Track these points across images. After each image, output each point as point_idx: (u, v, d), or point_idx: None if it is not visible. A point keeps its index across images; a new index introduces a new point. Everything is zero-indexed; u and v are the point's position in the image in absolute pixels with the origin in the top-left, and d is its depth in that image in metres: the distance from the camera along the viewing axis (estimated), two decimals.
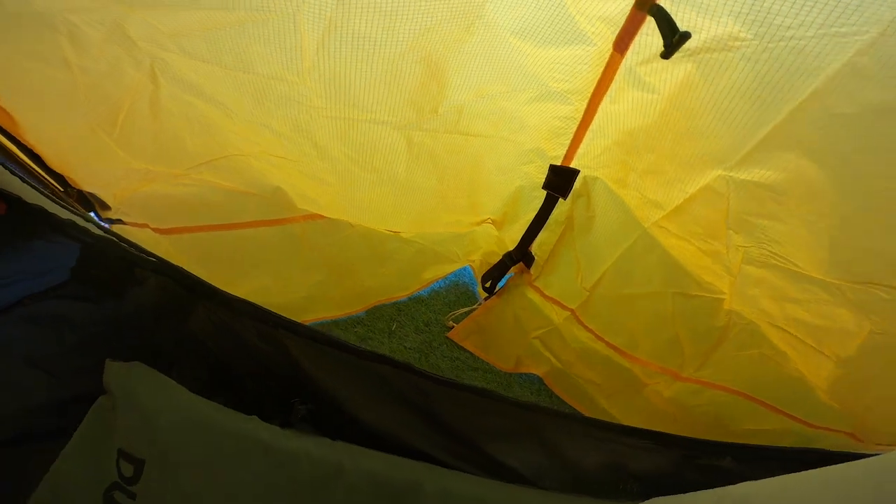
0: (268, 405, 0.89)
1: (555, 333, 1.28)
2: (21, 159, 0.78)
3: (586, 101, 0.88)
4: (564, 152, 1.00)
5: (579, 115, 0.92)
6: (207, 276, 0.86)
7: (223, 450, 0.77)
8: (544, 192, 1.10)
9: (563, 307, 1.24)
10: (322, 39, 0.72)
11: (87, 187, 0.89)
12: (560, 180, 1.04)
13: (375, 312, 1.31)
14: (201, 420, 0.78)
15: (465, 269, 1.43)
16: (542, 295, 1.28)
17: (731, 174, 0.79)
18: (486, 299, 1.38)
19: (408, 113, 0.89)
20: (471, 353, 1.38)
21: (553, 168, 1.04)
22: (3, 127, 0.71)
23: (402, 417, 0.86)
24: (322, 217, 1.12)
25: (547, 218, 1.15)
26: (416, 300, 1.37)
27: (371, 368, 0.83)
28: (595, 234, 1.10)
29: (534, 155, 1.06)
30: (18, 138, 0.74)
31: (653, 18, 0.64)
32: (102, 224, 0.86)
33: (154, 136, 0.82)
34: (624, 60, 0.76)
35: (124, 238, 0.82)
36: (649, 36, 0.70)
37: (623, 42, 0.72)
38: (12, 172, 0.72)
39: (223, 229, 1.06)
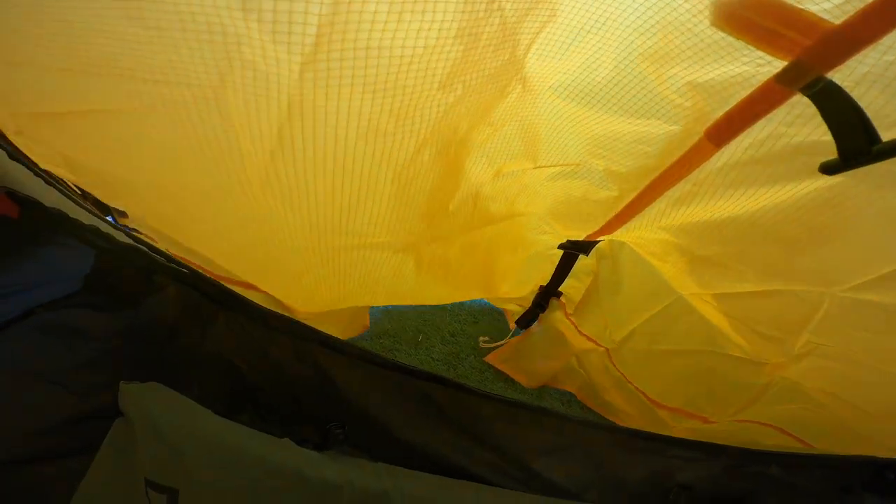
0: (297, 424, 0.84)
1: (593, 355, 1.24)
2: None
3: (637, 191, 0.66)
4: (585, 235, 0.87)
5: (619, 206, 0.72)
6: None
7: (259, 480, 0.71)
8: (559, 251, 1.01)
9: (598, 344, 1.20)
10: (279, 137, 0.45)
11: None
12: (578, 247, 0.96)
13: (401, 323, 1.25)
14: (232, 448, 0.72)
15: None
16: (577, 329, 1.24)
17: (842, 293, 0.61)
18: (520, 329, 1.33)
19: (416, 226, 0.69)
20: None
21: (572, 243, 0.95)
22: None
23: (444, 435, 0.82)
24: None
25: (568, 273, 1.09)
26: (440, 310, 1.32)
27: (416, 386, 0.78)
28: (623, 296, 1.02)
29: (548, 225, 0.94)
30: None
31: (810, 101, 0.35)
32: (126, 228, 0.79)
33: None
34: (719, 154, 0.49)
35: (146, 242, 0.76)
36: (776, 127, 0.42)
37: (727, 128, 0.44)
38: (36, 173, 0.66)
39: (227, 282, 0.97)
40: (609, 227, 0.83)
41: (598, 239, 0.90)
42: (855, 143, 0.32)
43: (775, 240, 0.59)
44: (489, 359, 1.33)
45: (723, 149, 0.47)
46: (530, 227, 0.95)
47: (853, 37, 0.29)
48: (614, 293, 1.02)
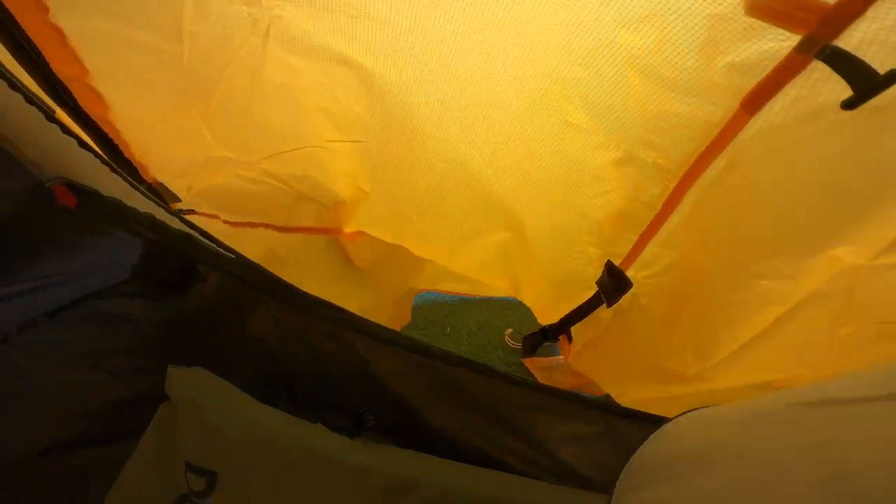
0: (329, 411, 0.86)
1: None
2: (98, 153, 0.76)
3: (677, 179, 0.66)
4: (628, 250, 0.84)
5: (659, 204, 0.71)
6: None
7: (294, 464, 0.73)
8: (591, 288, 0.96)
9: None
10: None
11: (160, 176, 0.86)
12: (611, 284, 0.90)
13: (429, 316, 1.27)
14: (270, 432, 0.75)
15: None
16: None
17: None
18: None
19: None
20: None
21: (609, 266, 0.89)
22: (93, 116, 0.68)
23: (473, 422, 0.83)
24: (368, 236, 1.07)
25: (588, 314, 1.08)
26: (468, 303, 1.33)
27: (447, 372, 0.80)
28: (632, 357, 0.98)
29: (595, 235, 0.91)
30: (103, 125, 0.71)
31: (824, 63, 0.45)
32: (179, 214, 0.82)
33: (243, 115, 0.78)
34: (752, 121, 0.54)
35: (200, 229, 0.79)
36: (798, 90, 0.50)
37: (760, 96, 0.52)
38: (103, 161, 0.69)
39: (283, 231, 1.03)
40: (646, 236, 0.80)
41: (628, 281, 0.87)
42: (862, 81, 0.45)
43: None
44: (527, 362, 1.33)
45: (755, 116, 0.54)
46: (581, 232, 0.91)
47: (845, 12, 0.42)
48: (623, 354, 0.99)
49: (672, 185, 0.67)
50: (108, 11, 0.60)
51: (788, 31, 0.45)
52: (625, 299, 0.87)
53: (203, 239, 0.80)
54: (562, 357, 1.28)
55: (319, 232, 1.05)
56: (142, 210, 0.77)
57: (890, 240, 0.56)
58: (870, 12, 0.41)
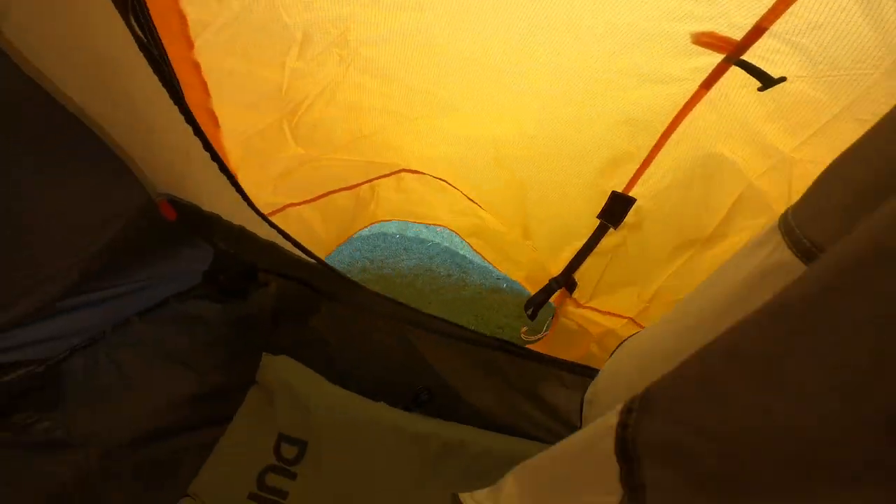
0: (386, 392, 0.99)
1: (612, 337, 1.39)
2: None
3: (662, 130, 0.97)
4: (626, 181, 1.08)
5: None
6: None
7: (365, 431, 0.88)
8: (592, 224, 1.16)
9: (621, 317, 1.36)
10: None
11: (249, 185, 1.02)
12: (616, 208, 1.11)
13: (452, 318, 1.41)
14: (347, 408, 0.90)
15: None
16: (597, 311, 1.40)
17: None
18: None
19: None
20: None
21: (614, 195, 1.10)
22: (208, 138, 0.82)
23: (506, 398, 0.98)
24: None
25: (595, 246, 1.29)
26: (487, 307, 1.48)
27: (484, 354, 0.96)
28: (648, 257, 1.16)
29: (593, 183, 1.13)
30: (214, 144, 0.85)
31: (739, 67, 0.78)
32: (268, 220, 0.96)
33: (314, 124, 0.97)
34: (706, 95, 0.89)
35: (286, 233, 0.95)
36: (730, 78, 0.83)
37: (710, 81, 0.86)
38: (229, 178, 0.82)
39: (349, 189, 1.23)
40: (640, 170, 1.03)
41: (631, 198, 1.07)
42: (761, 78, 0.76)
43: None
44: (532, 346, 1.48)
45: (708, 92, 0.87)
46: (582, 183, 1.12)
47: (745, 43, 0.73)
48: (640, 257, 1.17)
49: (658, 135, 0.96)
50: (236, 51, 0.77)
51: (717, 52, 0.78)
52: (630, 218, 1.09)
53: (286, 244, 0.94)
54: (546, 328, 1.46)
55: (382, 178, 1.26)
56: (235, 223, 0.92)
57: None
58: (756, 44, 0.74)
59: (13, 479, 0.78)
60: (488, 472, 0.72)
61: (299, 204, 1.15)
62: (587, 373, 0.98)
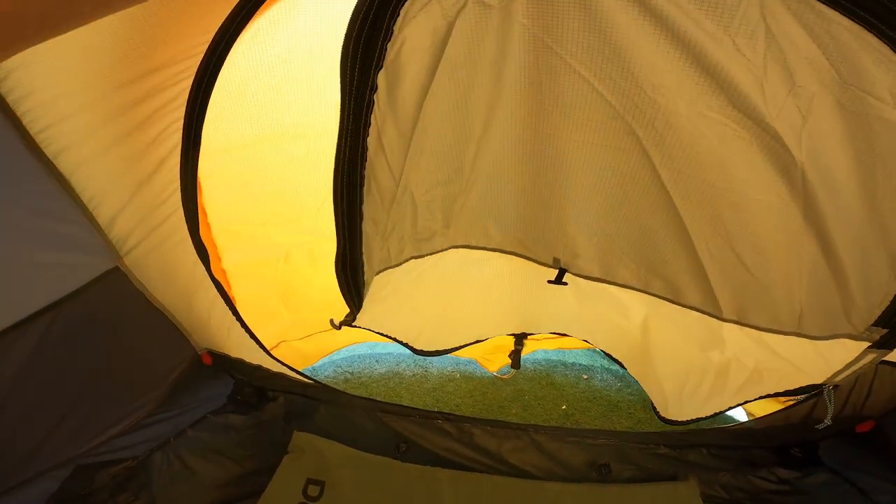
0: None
1: None
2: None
3: None
4: None
5: None
6: None
7: (366, 472, 1.33)
8: None
9: None
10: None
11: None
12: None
13: (419, 402, 1.85)
14: (352, 456, 1.36)
15: None
16: None
17: None
18: None
19: None
20: None
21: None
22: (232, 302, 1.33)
23: (453, 449, 1.41)
24: None
25: None
26: (445, 393, 1.92)
27: (436, 422, 1.41)
28: None
29: None
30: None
31: None
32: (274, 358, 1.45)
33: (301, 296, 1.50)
34: None
35: (292, 367, 1.43)
36: None
37: None
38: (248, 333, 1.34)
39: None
40: None
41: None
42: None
43: None
44: None
45: None
46: None
47: None
48: None
49: None
50: (250, 257, 1.33)
51: None
52: None
53: (286, 370, 1.43)
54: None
55: None
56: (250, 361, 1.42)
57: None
58: None
59: None
60: None
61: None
62: (510, 426, 1.42)
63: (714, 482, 1.35)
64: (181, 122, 0.97)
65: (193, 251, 1.13)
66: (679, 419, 1.41)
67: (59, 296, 1.00)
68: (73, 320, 1.03)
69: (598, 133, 0.94)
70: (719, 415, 1.37)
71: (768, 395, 1.22)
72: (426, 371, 2.02)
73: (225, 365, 1.43)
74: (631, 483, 1.37)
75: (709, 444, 1.42)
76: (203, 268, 1.17)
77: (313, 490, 1.27)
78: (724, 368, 1.25)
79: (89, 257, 1.05)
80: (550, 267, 1.25)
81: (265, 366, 1.43)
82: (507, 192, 1.13)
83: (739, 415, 1.68)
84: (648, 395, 1.47)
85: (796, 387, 1.17)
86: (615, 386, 1.93)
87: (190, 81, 0.93)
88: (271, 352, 1.42)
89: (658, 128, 0.88)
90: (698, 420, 1.37)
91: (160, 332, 1.27)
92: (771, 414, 1.36)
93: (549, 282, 1.26)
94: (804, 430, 1.32)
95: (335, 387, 1.59)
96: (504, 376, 1.94)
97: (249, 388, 1.50)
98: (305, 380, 1.49)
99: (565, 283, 1.26)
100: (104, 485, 1.13)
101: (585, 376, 1.97)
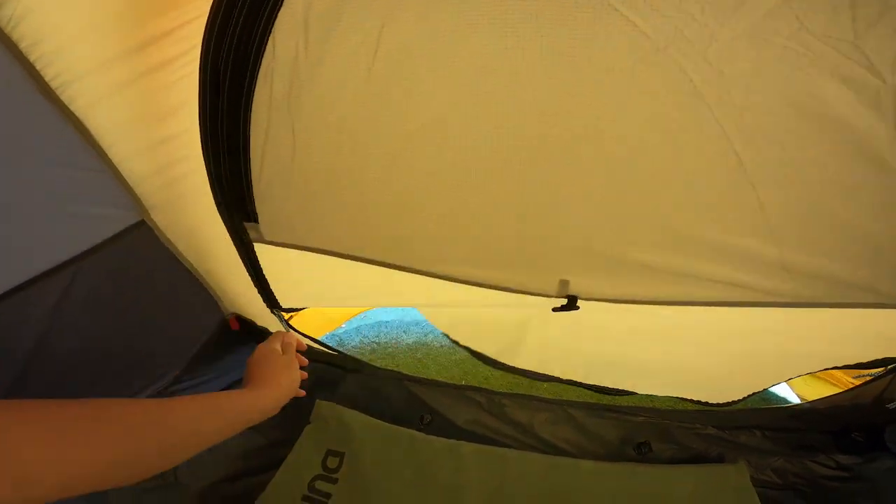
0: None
1: None
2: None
3: None
4: None
5: None
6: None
7: (387, 443, 1.26)
8: None
9: None
10: None
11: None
12: None
13: (447, 374, 1.78)
14: (374, 427, 1.30)
15: None
16: None
17: None
18: None
19: None
20: None
21: None
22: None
23: (483, 421, 1.34)
24: None
25: None
26: (474, 365, 1.84)
27: (464, 393, 1.35)
28: None
29: None
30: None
31: None
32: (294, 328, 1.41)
33: None
34: None
35: (316, 339, 1.39)
36: None
37: None
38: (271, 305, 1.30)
39: None
40: None
41: None
42: None
43: None
44: None
45: None
46: None
47: None
48: None
49: None
50: None
51: None
52: None
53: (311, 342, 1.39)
54: None
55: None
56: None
57: None
58: None
59: None
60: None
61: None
62: (541, 399, 1.35)
63: (766, 466, 1.24)
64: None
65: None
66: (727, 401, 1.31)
67: (84, 248, 0.96)
68: (98, 275, 0.99)
69: None
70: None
71: (836, 367, 1.11)
72: (455, 345, 1.96)
73: (252, 332, 1.40)
74: (673, 464, 1.28)
75: (761, 425, 1.31)
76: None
77: (332, 461, 1.23)
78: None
79: (116, 210, 1.01)
80: None
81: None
82: None
83: (790, 398, 1.57)
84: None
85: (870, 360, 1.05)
86: None
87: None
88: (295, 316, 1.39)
89: None
90: (751, 396, 1.27)
91: (188, 292, 1.24)
92: (837, 394, 1.25)
93: None
94: (872, 412, 1.20)
95: (361, 357, 1.55)
96: None
97: None
98: (331, 351, 1.45)
99: None
100: None
101: None
